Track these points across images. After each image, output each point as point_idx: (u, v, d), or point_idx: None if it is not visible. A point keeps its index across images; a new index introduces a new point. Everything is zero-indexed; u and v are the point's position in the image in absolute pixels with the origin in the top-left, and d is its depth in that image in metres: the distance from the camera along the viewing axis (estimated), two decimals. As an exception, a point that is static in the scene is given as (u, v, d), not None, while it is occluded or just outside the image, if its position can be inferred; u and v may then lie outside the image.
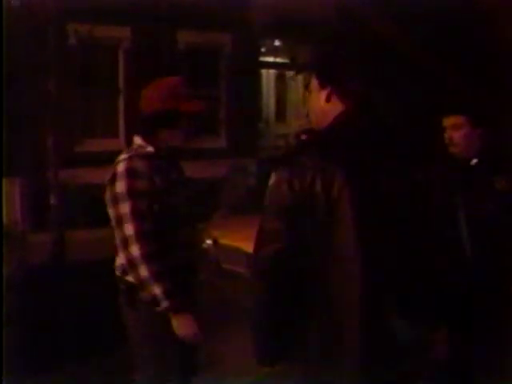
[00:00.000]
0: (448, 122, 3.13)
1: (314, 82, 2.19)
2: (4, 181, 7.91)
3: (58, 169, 8.21)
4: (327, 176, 1.97)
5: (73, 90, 10.58)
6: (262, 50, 13.85)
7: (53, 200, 8.08)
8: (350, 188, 1.96)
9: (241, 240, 5.92)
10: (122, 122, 11.23)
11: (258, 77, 13.73)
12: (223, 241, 6.27)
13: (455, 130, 3.08)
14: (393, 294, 2.01)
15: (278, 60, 15.00)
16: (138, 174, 2.73)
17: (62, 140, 9.65)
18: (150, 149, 2.83)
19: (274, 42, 14.33)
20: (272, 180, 2.06)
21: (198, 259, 3.22)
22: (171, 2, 10.73)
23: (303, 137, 2.23)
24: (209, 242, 6.34)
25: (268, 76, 15.70)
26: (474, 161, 3.06)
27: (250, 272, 2.09)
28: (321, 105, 2.16)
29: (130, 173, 2.72)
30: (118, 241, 2.77)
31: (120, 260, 2.82)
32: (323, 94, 2.15)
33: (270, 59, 14.84)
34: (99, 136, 11.00)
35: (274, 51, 14.74)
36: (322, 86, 2.16)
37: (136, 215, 2.69)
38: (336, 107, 2.12)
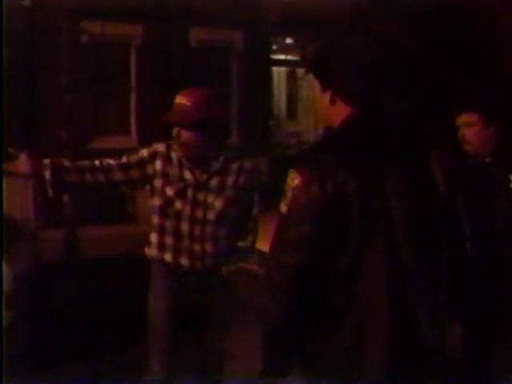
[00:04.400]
0: (460, 120, 3.13)
1: (316, 83, 2.08)
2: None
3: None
4: (362, 175, 1.87)
5: (85, 88, 10.62)
6: (274, 47, 13.84)
7: (65, 197, 8.10)
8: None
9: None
10: (133, 119, 11.25)
11: (269, 74, 13.72)
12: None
13: (467, 128, 3.08)
14: (418, 292, 1.93)
15: (289, 58, 14.98)
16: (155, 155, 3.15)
17: (74, 137, 9.70)
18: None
19: (285, 39, 14.31)
20: (295, 179, 1.90)
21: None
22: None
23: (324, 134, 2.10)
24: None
25: (279, 73, 15.69)
26: (488, 159, 3.05)
27: (267, 276, 1.95)
28: (326, 106, 2.06)
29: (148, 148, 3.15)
30: None
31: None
32: (326, 96, 2.04)
33: (281, 57, 14.83)
34: (111, 133, 11.02)
35: (285, 49, 14.72)
36: (324, 88, 2.05)
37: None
38: (342, 109, 2.02)
